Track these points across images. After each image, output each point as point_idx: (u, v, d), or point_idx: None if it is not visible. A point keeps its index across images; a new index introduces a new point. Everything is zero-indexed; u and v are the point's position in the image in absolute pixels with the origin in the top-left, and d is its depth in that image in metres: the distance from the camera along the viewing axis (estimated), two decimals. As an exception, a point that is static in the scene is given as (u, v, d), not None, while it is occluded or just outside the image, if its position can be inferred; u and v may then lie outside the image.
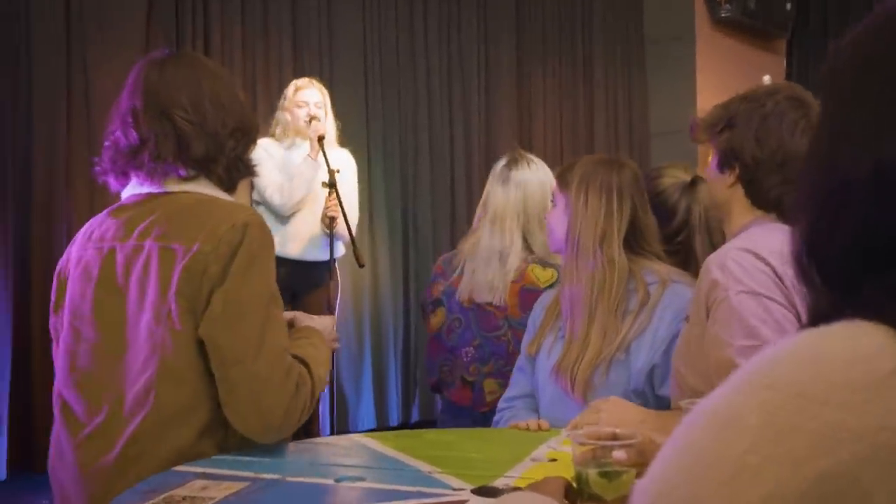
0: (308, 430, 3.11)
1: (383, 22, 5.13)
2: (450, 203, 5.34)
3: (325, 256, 3.69)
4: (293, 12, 4.80)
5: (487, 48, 5.51)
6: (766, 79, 6.29)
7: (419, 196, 5.24)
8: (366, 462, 1.49)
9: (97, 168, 1.61)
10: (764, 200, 1.60)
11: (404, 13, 5.20)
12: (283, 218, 3.67)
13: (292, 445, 1.58)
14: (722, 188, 1.65)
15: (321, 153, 3.51)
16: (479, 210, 2.43)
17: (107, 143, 1.58)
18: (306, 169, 3.57)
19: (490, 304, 2.32)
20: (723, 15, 5.92)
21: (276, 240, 3.51)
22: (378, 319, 5.05)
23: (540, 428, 1.65)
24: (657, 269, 1.86)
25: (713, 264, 1.55)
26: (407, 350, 5.15)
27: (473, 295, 2.33)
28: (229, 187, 1.61)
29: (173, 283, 1.44)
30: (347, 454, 1.54)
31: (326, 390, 3.60)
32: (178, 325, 1.44)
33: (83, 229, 1.62)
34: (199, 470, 1.38)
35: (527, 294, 2.30)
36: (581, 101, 5.92)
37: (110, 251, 1.53)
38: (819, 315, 0.55)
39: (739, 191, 1.62)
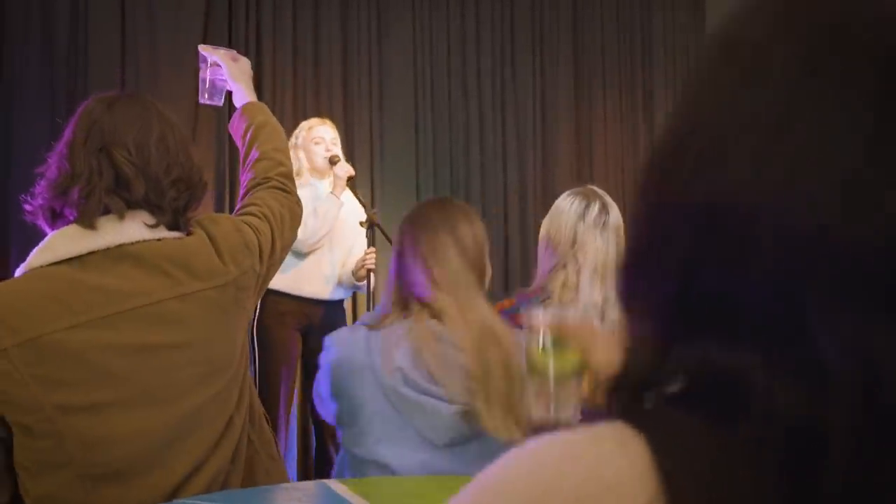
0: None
1: (435, 52, 5.11)
2: (503, 241, 5.25)
3: (340, 295, 3.72)
4: (344, 52, 4.85)
5: (544, 77, 5.42)
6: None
7: (470, 232, 5.15)
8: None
9: (27, 206, 1.46)
10: None
11: (456, 49, 5.18)
12: (301, 256, 3.62)
13: (254, 491, 1.53)
14: None
15: (348, 192, 3.50)
16: (549, 247, 2.29)
17: (39, 179, 1.47)
18: (331, 206, 3.54)
19: None
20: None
21: (291, 277, 3.58)
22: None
23: None
24: None
25: None
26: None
27: None
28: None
29: (237, 313, 1.51)
30: (307, 501, 1.48)
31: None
32: (242, 359, 1.53)
33: (38, 292, 1.38)
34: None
35: None
36: (642, 132, 5.78)
37: (122, 313, 1.40)
38: (613, 390, 0.45)
39: None
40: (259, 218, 1.64)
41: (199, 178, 1.54)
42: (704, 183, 0.40)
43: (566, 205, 2.28)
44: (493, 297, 4.63)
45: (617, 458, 0.40)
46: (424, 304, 1.75)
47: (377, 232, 3.45)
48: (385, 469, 1.66)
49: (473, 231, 1.86)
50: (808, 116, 0.38)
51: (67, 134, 1.47)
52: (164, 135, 1.49)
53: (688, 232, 0.41)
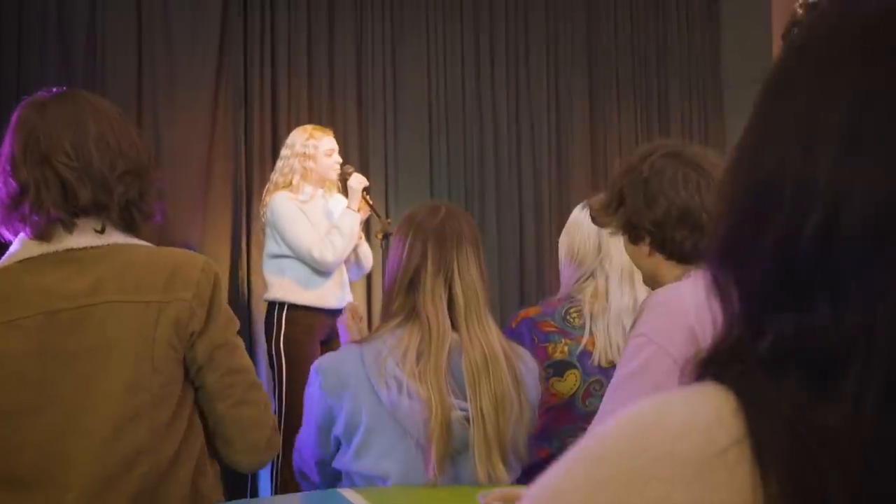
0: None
1: (449, 72, 5.12)
2: (518, 250, 5.24)
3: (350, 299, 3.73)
4: (358, 65, 4.86)
5: (558, 89, 5.41)
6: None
7: (485, 244, 5.13)
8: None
9: None
10: (682, 255, 1.63)
11: (470, 63, 5.18)
12: (330, 274, 3.63)
13: (269, 499, 1.53)
14: (643, 259, 1.69)
15: (367, 205, 3.52)
16: (573, 261, 2.29)
17: None
18: (352, 223, 3.53)
19: None
20: (804, 57, 5.71)
21: (316, 291, 3.58)
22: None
23: None
24: None
25: (648, 302, 1.58)
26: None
27: (613, 357, 2.17)
28: (131, 231, 1.52)
29: (155, 340, 1.41)
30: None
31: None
32: (165, 379, 1.42)
33: None
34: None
35: None
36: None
37: (49, 315, 1.40)
38: (702, 364, 0.49)
39: (659, 256, 1.65)
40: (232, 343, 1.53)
41: (147, 161, 1.52)
42: (796, 172, 0.46)
43: (584, 216, 2.26)
44: (508, 309, 4.67)
45: (705, 406, 0.45)
46: (426, 324, 1.72)
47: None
48: (385, 483, 1.64)
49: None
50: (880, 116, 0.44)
51: (7, 147, 1.46)
52: (101, 132, 1.47)
53: (782, 214, 0.46)
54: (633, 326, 1.62)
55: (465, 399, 1.68)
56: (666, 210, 1.60)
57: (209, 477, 1.51)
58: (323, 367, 1.75)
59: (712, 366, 0.49)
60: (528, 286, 5.20)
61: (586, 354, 2.19)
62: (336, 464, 1.71)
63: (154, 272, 1.45)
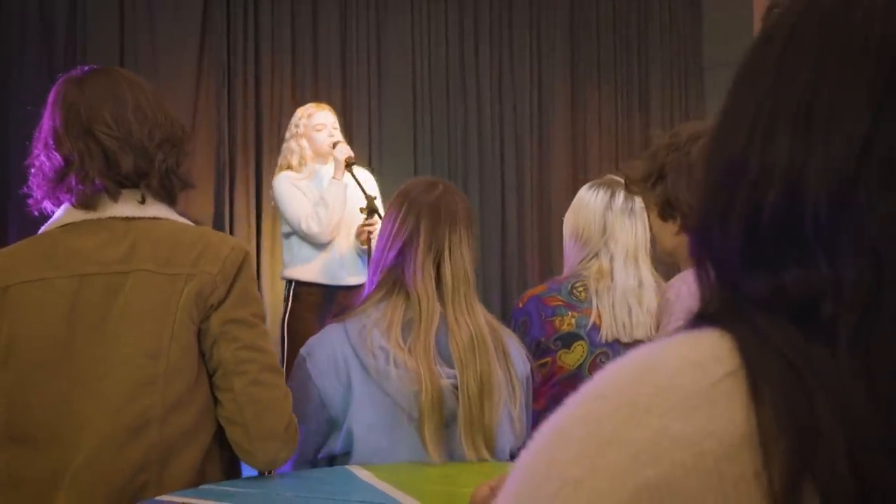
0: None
1: (433, 54, 5.12)
2: (500, 229, 5.25)
3: (362, 279, 3.66)
4: (342, 46, 4.84)
5: (541, 72, 5.44)
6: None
7: (468, 224, 5.15)
8: (349, 494, 1.41)
9: (29, 200, 1.52)
10: None
11: (454, 45, 5.18)
12: (322, 246, 3.64)
13: (278, 476, 1.52)
14: (668, 236, 1.69)
15: (349, 174, 3.49)
16: (578, 240, 2.29)
17: (32, 171, 1.52)
18: (337, 192, 3.54)
19: (641, 340, 2.20)
20: (783, 41, 5.77)
21: (319, 267, 3.57)
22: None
23: None
24: None
25: (671, 286, 1.58)
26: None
27: (619, 335, 2.20)
28: (170, 201, 1.56)
29: (178, 308, 1.43)
30: (333, 485, 1.47)
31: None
32: (182, 350, 1.43)
33: (22, 251, 1.49)
34: (181, 500, 1.33)
35: None
36: (637, 130, 5.80)
37: (82, 278, 1.44)
38: (695, 318, 0.52)
39: (686, 237, 1.63)
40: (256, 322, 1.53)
41: (181, 132, 1.58)
42: (759, 151, 0.50)
43: (591, 196, 2.28)
44: (489, 289, 4.65)
45: (703, 345, 0.48)
46: (416, 298, 1.70)
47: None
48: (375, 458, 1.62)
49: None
50: (829, 100, 0.48)
51: (47, 122, 1.51)
52: (139, 102, 1.52)
53: (748, 189, 0.50)
54: (661, 307, 1.62)
55: (452, 368, 1.67)
56: None
57: (217, 465, 1.51)
58: (309, 351, 1.73)
59: (705, 317, 0.52)
60: (509, 264, 5.22)
61: (595, 328, 2.21)
62: (327, 448, 1.69)
63: (187, 247, 1.47)
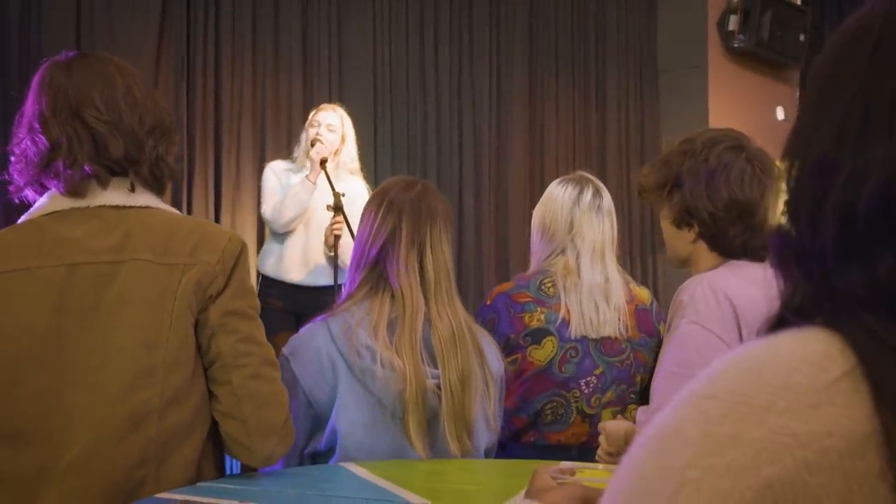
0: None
1: (394, 46, 5.12)
2: (457, 219, 5.27)
3: (326, 282, 3.65)
4: (303, 39, 4.82)
5: (500, 72, 5.49)
6: (779, 111, 6.25)
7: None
8: (351, 491, 1.43)
9: (11, 187, 1.45)
10: (730, 249, 1.63)
11: (415, 38, 5.20)
12: (279, 237, 3.68)
13: (274, 474, 1.53)
14: (683, 243, 1.68)
15: (323, 176, 3.49)
16: (545, 234, 2.30)
17: (13, 157, 1.45)
18: (301, 190, 3.55)
19: (609, 337, 2.23)
20: (736, 45, 5.89)
21: (271, 261, 3.61)
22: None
23: None
24: None
25: (685, 288, 1.58)
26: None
27: (587, 331, 2.22)
28: (159, 190, 1.52)
29: (176, 298, 1.40)
30: (332, 482, 1.49)
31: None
32: (180, 340, 1.40)
33: (4, 239, 1.43)
34: (181, 497, 1.32)
35: (640, 313, 2.28)
36: (593, 126, 5.90)
37: (71, 268, 1.39)
38: (783, 315, 0.53)
39: (702, 244, 1.65)
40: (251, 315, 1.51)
41: (170, 121, 1.53)
42: (852, 147, 0.52)
43: (560, 191, 2.30)
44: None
45: (813, 343, 0.48)
46: (399, 294, 1.72)
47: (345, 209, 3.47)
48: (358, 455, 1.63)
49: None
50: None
51: (32, 106, 1.44)
52: (129, 87, 1.46)
53: (842, 181, 0.52)
54: (672, 309, 1.63)
55: (436, 368, 1.70)
56: (727, 205, 1.59)
57: (212, 462, 1.49)
58: (293, 350, 1.72)
59: (797, 316, 0.53)
60: (465, 254, 5.22)
61: (564, 323, 2.22)
62: (311, 445, 1.70)
63: (184, 237, 1.44)
